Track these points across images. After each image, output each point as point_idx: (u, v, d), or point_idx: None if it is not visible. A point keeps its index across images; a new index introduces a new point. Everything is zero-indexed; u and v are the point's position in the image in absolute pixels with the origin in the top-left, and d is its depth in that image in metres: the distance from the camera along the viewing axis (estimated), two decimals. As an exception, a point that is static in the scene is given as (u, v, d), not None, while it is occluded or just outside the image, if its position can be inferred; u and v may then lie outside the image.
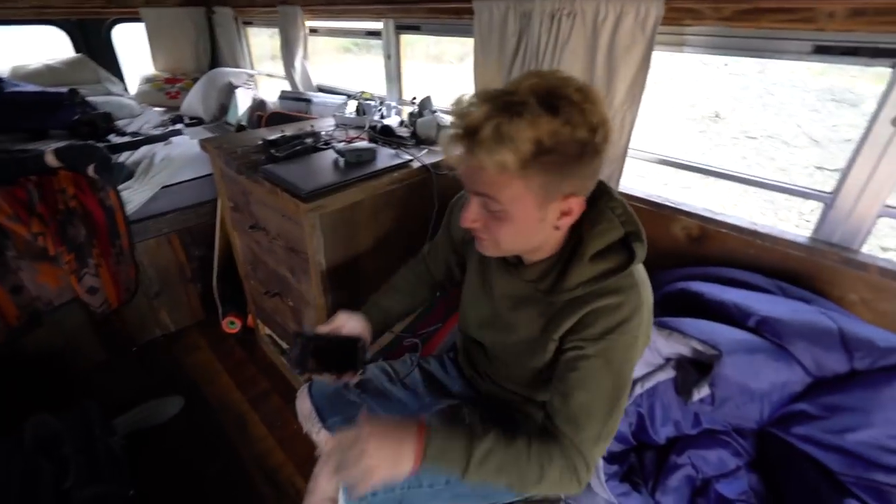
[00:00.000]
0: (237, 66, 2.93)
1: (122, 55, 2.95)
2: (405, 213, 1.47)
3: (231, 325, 2.21)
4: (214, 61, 3.16)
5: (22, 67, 2.52)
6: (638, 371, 0.95)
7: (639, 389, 0.93)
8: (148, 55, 2.98)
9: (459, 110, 0.61)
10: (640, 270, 0.71)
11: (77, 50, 2.75)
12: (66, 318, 1.92)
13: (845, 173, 0.96)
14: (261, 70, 2.98)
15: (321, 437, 0.99)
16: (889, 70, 0.87)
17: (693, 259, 1.17)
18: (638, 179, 1.25)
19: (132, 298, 2.02)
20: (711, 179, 1.20)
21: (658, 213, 1.22)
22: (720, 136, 5.23)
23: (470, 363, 1.03)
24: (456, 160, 0.65)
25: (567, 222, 0.68)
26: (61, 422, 1.46)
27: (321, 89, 2.40)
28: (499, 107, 0.58)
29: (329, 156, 1.47)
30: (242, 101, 2.53)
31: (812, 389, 0.80)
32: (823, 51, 0.93)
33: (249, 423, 1.81)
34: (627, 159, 1.23)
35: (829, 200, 1.00)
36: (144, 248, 2.04)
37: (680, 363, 0.91)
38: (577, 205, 0.66)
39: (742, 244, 1.08)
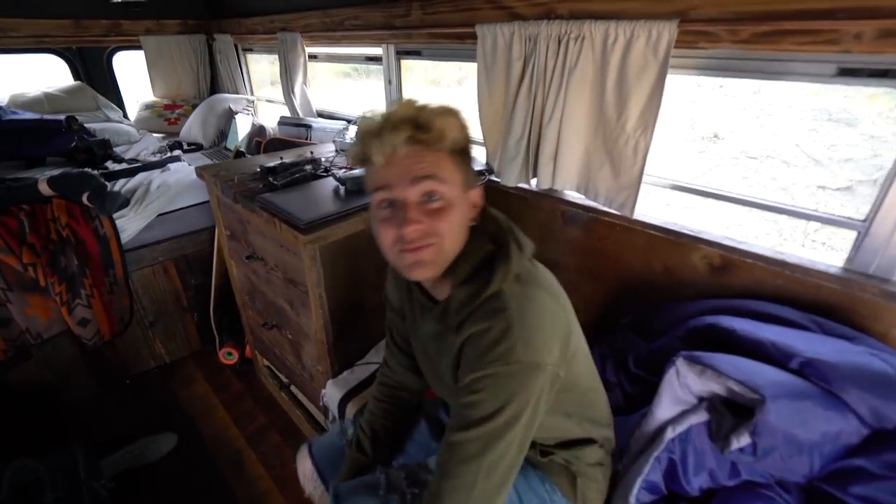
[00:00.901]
0: (237, 92, 2.92)
1: (122, 82, 2.94)
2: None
3: (228, 355, 2.13)
4: (214, 87, 3.15)
5: (21, 95, 2.50)
6: (668, 412, 0.87)
7: (670, 433, 0.86)
8: (147, 82, 2.97)
9: (383, 111, 0.67)
10: (515, 293, 0.65)
11: (76, 78, 2.74)
12: (56, 351, 1.84)
13: (879, 200, 0.91)
14: (260, 96, 2.97)
15: (324, 500, 0.91)
16: (920, 92, 0.83)
17: (715, 290, 1.11)
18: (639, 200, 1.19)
19: (126, 329, 1.95)
20: (713, 199, 1.16)
21: (676, 242, 1.16)
22: (720, 156, 5.23)
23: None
24: (391, 151, 0.65)
25: (474, 215, 0.73)
26: (45, 465, 1.37)
27: (321, 115, 2.37)
28: (417, 106, 0.66)
29: (329, 183, 1.42)
30: (242, 127, 2.51)
31: (871, 443, 0.72)
32: (849, 73, 0.89)
33: (246, 462, 1.72)
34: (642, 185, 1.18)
35: (862, 229, 0.94)
36: (139, 277, 1.98)
37: (713, 405, 0.84)
38: (480, 196, 0.74)
39: (769, 275, 1.02)
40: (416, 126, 0.63)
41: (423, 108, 0.65)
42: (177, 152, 2.39)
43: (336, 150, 1.76)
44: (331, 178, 1.44)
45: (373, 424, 0.98)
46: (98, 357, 1.97)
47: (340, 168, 1.56)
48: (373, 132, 0.65)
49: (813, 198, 4.65)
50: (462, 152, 0.69)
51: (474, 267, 0.70)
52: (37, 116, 2.27)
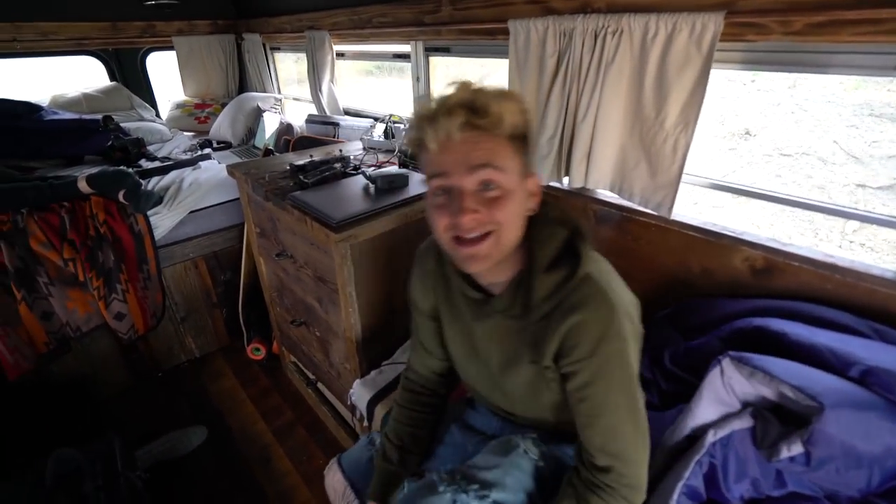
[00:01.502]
0: (265, 91, 2.96)
1: (155, 82, 3.02)
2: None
3: (256, 351, 2.17)
4: (242, 86, 3.21)
5: (61, 96, 2.59)
6: (710, 414, 0.84)
7: (711, 437, 0.82)
8: (179, 82, 3.04)
9: (439, 96, 0.64)
10: (599, 271, 0.68)
11: (112, 78, 2.82)
12: (93, 345, 1.91)
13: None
14: (287, 94, 3.01)
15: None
16: None
17: (758, 293, 1.06)
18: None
19: (158, 324, 2.00)
20: (744, 198, 1.11)
21: (716, 244, 1.12)
22: (752, 153, 5.07)
23: (493, 408, 0.96)
24: (446, 138, 0.63)
25: (535, 203, 0.71)
26: (85, 455, 1.41)
27: (347, 112, 2.38)
28: (478, 90, 0.63)
29: (359, 182, 1.43)
30: (270, 125, 2.54)
31: (936, 460, 0.68)
32: (914, 65, 0.84)
33: (274, 457, 1.74)
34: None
35: (920, 230, 0.89)
36: (171, 274, 2.02)
37: (758, 410, 0.80)
38: (537, 186, 0.71)
39: (817, 278, 0.97)
40: (472, 110, 0.61)
41: (480, 91, 0.62)
42: (207, 150, 2.44)
43: (364, 148, 1.76)
44: (360, 177, 1.44)
45: (399, 433, 0.97)
46: (132, 351, 2.03)
47: (370, 166, 1.56)
48: (428, 116, 0.63)
49: (852, 196, 4.46)
50: (521, 138, 0.66)
51: (556, 252, 0.70)
52: (76, 116, 2.34)
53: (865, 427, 0.68)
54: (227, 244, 2.13)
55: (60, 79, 3.05)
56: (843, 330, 0.87)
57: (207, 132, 2.89)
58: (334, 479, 1.02)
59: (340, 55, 2.33)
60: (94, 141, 2.33)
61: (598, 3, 1.16)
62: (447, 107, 0.62)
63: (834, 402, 0.67)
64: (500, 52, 1.44)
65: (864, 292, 0.92)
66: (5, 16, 2.29)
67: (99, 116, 2.35)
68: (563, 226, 0.72)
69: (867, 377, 0.73)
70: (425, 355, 0.97)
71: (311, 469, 1.68)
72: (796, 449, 0.71)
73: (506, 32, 1.35)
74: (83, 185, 1.72)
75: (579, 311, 0.65)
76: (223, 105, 2.97)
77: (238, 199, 1.95)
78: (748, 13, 0.92)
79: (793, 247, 1.02)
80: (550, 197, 0.75)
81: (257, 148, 2.59)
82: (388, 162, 1.59)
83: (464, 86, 0.63)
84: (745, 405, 0.83)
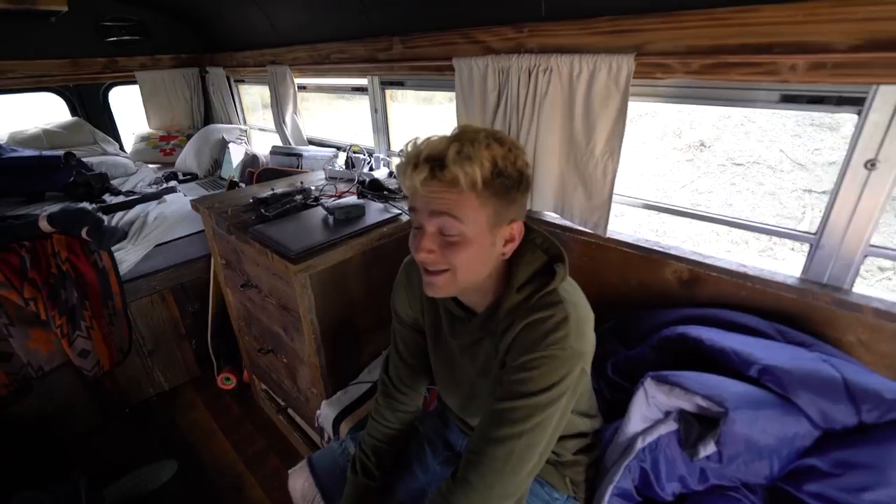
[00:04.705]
0: (230, 122, 3.01)
1: (118, 115, 3.03)
2: (396, 266, 1.47)
3: (226, 381, 2.17)
4: (208, 118, 3.24)
5: (20, 133, 2.58)
6: (637, 425, 0.92)
7: (640, 444, 0.90)
8: (143, 114, 3.06)
9: (420, 143, 0.69)
10: (568, 291, 0.74)
11: (73, 113, 2.82)
12: (57, 384, 1.88)
13: (826, 215, 0.97)
14: (253, 123, 3.06)
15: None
16: (856, 116, 0.90)
17: (686, 303, 1.17)
18: (618, 218, 1.25)
19: (125, 358, 1.99)
20: (702, 209, 1.22)
21: (648, 258, 1.22)
22: (707, 164, 5.34)
23: (463, 426, 1.02)
24: (413, 187, 0.68)
25: (511, 248, 0.74)
26: (49, 496, 1.40)
27: (312, 142, 2.45)
28: (456, 137, 0.67)
29: (319, 213, 1.49)
30: (235, 156, 2.58)
31: (821, 443, 0.77)
32: (790, 100, 0.96)
33: (246, 486, 1.75)
34: (613, 205, 1.25)
35: (814, 241, 1.01)
36: (138, 307, 2.02)
37: (683, 415, 0.89)
38: (518, 231, 0.73)
39: (733, 287, 1.08)
40: (437, 166, 0.65)
41: (452, 145, 0.65)
42: (172, 183, 2.46)
43: (326, 178, 1.83)
44: (320, 208, 1.50)
45: (375, 448, 1.00)
46: (98, 387, 2.00)
47: (330, 196, 1.63)
48: (402, 168, 0.69)
49: (800, 201, 4.74)
50: (496, 188, 0.66)
51: (532, 274, 0.75)
52: (36, 153, 2.34)
53: (762, 423, 0.77)
54: (194, 275, 2.15)
55: (18, 115, 3.03)
56: (751, 332, 0.97)
57: (173, 164, 2.92)
58: (304, 483, 1.02)
59: (302, 88, 2.41)
60: (56, 177, 2.33)
61: (530, 44, 1.27)
62: (415, 162, 0.66)
63: (735, 404, 0.77)
64: (449, 86, 1.54)
65: (771, 297, 1.03)
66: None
67: (60, 153, 2.35)
68: (545, 252, 0.77)
69: (762, 375, 0.83)
70: (400, 363, 0.99)
71: (283, 497, 1.69)
72: (710, 448, 0.80)
73: (452, 69, 1.45)
74: (44, 224, 1.73)
75: (537, 312, 0.70)
76: (188, 137, 3.00)
77: (204, 230, 1.98)
78: (655, 55, 1.04)
79: (712, 259, 1.13)
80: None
81: (223, 179, 2.63)
82: (347, 192, 1.66)
83: (441, 139, 0.68)
84: (668, 414, 0.92)
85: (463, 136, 0.66)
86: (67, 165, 2.34)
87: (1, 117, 3.02)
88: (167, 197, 2.24)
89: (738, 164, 5.51)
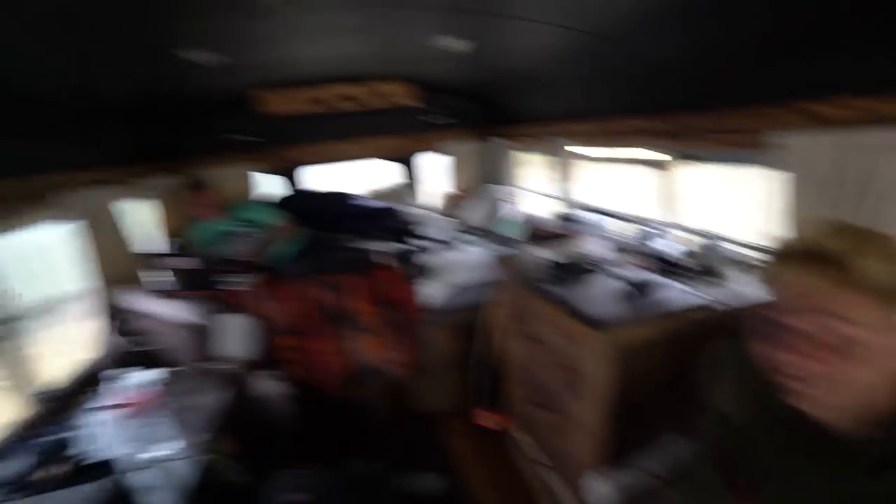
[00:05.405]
0: (508, 185, 3.43)
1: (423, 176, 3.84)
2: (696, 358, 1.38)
3: (490, 420, 2.37)
4: (490, 180, 3.78)
5: (376, 191, 3.58)
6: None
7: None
8: (445, 176, 3.78)
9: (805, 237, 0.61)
10: None
11: (403, 177, 3.71)
12: (371, 381, 2.42)
13: None
14: (529, 187, 3.41)
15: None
16: None
17: None
18: None
19: (415, 374, 2.42)
20: None
21: None
22: None
23: None
24: (787, 280, 0.59)
25: None
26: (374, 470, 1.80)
27: (591, 209, 2.56)
28: (839, 233, 0.58)
29: (611, 283, 1.53)
30: (513, 216, 2.91)
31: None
32: None
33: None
34: None
35: None
36: (428, 335, 2.44)
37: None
38: None
39: None
40: (824, 262, 0.55)
41: (842, 236, 0.57)
42: (464, 235, 2.94)
43: (614, 249, 1.88)
44: (610, 278, 1.55)
45: None
46: (394, 392, 2.49)
47: (621, 266, 1.66)
48: (776, 263, 0.61)
49: None
50: None
51: None
52: (381, 204, 3.17)
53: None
54: (476, 319, 2.45)
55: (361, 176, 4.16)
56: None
57: (460, 218, 3.48)
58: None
59: (583, 157, 2.57)
60: (382, 222, 3.10)
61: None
62: (794, 256, 0.59)
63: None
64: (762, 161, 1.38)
65: None
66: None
67: (386, 204, 3.14)
68: None
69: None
70: (712, 474, 0.82)
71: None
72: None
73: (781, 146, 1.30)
74: (376, 257, 2.32)
75: None
76: (475, 195, 3.55)
77: (491, 280, 2.26)
78: None
79: None
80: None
81: (502, 235, 2.99)
82: (640, 266, 1.66)
83: (823, 232, 0.59)
84: None
85: (842, 230, 0.59)
86: (390, 213, 3.10)
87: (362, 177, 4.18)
88: (461, 245, 2.69)
89: None
